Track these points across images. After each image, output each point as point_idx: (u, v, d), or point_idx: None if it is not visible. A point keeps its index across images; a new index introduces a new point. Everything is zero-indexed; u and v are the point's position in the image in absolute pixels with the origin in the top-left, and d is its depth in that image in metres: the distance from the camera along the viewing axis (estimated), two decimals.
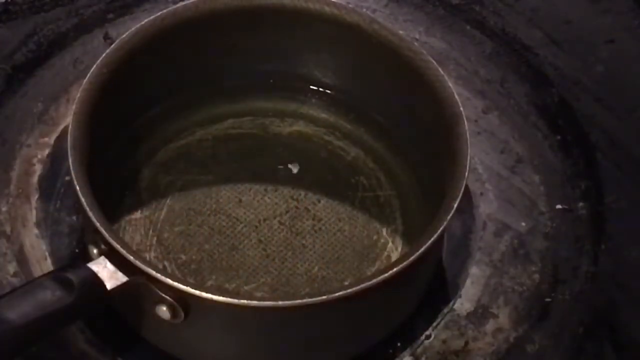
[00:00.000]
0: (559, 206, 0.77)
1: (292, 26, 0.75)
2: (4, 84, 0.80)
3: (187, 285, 0.58)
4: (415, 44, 0.71)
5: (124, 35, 0.70)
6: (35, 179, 0.76)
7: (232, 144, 0.77)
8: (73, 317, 0.60)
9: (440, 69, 0.69)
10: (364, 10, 0.78)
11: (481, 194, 0.77)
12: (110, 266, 0.60)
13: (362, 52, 0.74)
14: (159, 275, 0.59)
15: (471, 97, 0.83)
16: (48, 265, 0.72)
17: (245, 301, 0.59)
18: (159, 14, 0.72)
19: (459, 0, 0.88)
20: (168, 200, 0.73)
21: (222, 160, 0.76)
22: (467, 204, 0.76)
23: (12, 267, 0.72)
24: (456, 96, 0.68)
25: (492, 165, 0.79)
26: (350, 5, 0.74)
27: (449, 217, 0.62)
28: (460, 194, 0.63)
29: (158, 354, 0.68)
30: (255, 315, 0.61)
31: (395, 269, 0.60)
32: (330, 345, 0.66)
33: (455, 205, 0.62)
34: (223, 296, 0.58)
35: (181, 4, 0.73)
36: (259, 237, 0.71)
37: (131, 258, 0.59)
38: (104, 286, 0.59)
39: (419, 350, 0.69)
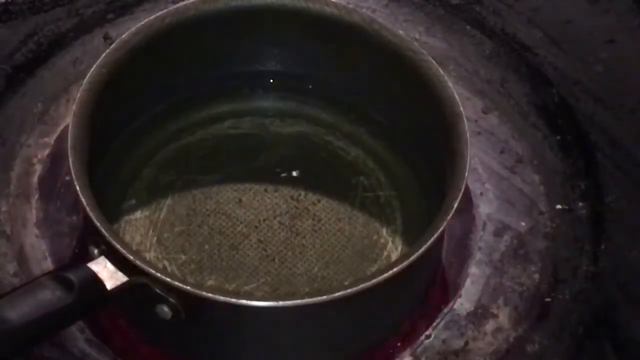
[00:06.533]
0: (559, 206, 0.77)
1: (292, 26, 0.75)
2: (4, 84, 0.80)
3: (187, 285, 0.58)
4: (415, 44, 0.71)
5: (124, 35, 0.70)
6: (35, 179, 0.76)
7: (232, 144, 0.77)
8: (73, 317, 0.60)
9: (440, 69, 0.69)
10: (364, 10, 0.78)
11: (481, 194, 0.77)
12: (110, 266, 0.60)
13: (362, 52, 0.74)
14: (159, 275, 0.59)
15: (471, 97, 0.83)
16: (48, 265, 0.72)
17: (245, 301, 0.59)
18: (159, 13, 0.72)
19: (459, 0, 0.88)
20: (168, 200, 0.73)
21: (222, 160, 0.76)
22: (467, 204, 0.76)
23: (12, 267, 0.72)
24: (456, 96, 0.68)
25: (492, 165, 0.79)
26: (350, 5, 0.74)
27: (449, 217, 0.62)
28: (460, 194, 0.63)
29: (158, 354, 0.68)
30: (255, 315, 0.61)
31: (395, 269, 0.60)
32: (330, 345, 0.66)
33: (455, 205, 0.62)
34: (223, 296, 0.59)
35: (181, 3, 0.73)
36: (259, 237, 0.71)
37: (131, 258, 0.59)
38: (104, 286, 0.59)
39: (419, 350, 0.69)
